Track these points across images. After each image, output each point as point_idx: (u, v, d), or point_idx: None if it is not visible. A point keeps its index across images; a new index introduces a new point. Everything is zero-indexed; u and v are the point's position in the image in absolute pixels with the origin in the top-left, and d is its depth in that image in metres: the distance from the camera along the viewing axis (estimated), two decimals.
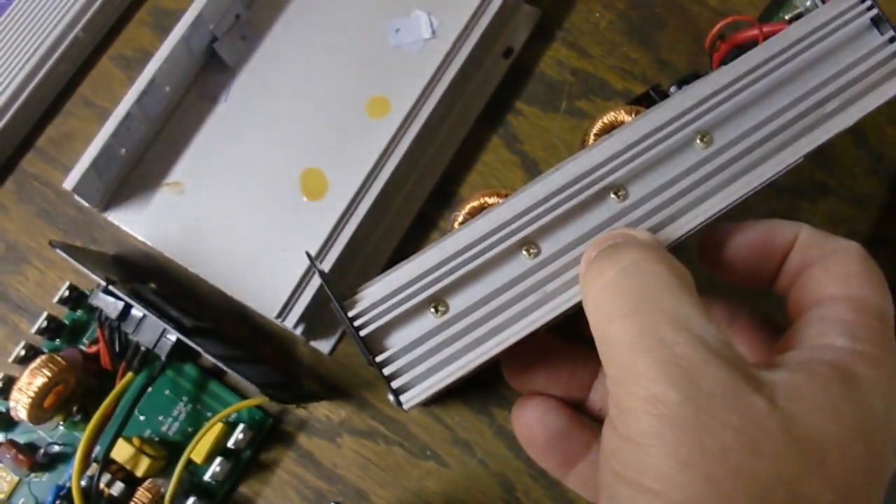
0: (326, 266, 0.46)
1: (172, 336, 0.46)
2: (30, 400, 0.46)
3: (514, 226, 0.34)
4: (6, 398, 0.48)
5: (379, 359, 0.33)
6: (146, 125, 0.51)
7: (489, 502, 0.46)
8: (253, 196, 0.50)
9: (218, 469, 0.46)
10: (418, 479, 0.46)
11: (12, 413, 0.47)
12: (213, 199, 0.51)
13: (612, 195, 0.35)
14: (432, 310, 0.34)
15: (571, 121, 0.51)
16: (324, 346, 0.49)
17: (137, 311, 0.46)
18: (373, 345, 0.33)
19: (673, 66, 0.51)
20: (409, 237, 0.50)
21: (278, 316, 0.45)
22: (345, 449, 0.47)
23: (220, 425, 0.47)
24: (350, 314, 0.33)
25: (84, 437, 0.45)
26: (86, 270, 0.45)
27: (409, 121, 0.48)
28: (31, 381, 0.46)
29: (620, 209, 0.34)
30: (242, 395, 0.48)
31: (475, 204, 0.37)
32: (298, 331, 0.46)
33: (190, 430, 0.48)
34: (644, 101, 0.44)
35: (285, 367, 0.48)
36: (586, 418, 0.37)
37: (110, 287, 0.45)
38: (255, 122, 0.52)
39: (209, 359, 0.43)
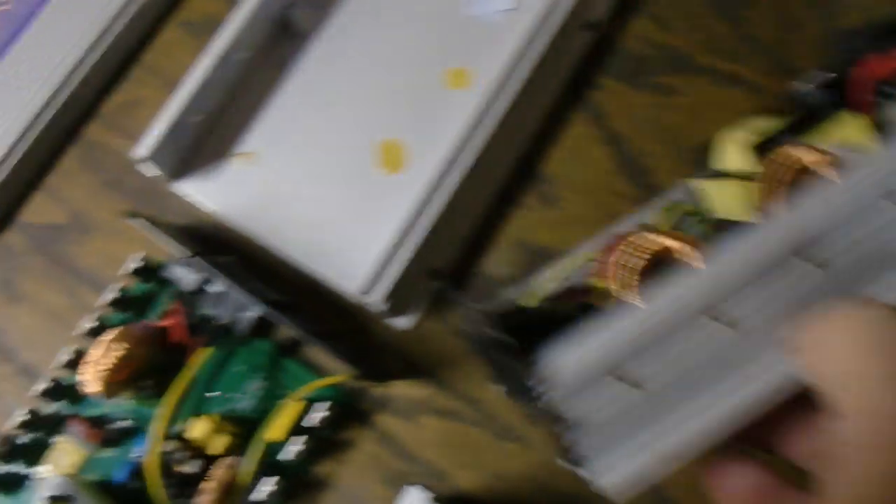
0: (412, 243, 0.45)
1: (253, 311, 0.44)
2: (102, 373, 0.45)
3: (717, 298, 0.30)
4: (76, 371, 0.47)
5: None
6: (220, 93, 0.49)
7: (574, 486, 0.45)
8: (328, 167, 0.49)
9: (295, 448, 0.45)
10: (501, 460, 0.45)
11: (83, 387, 0.46)
12: (286, 171, 0.49)
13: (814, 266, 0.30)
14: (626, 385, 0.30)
15: (657, 97, 0.49)
16: (404, 322, 0.47)
17: (217, 285, 0.45)
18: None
19: (759, 41, 0.50)
20: (490, 214, 0.48)
21: (364, 291, 0.44)
22: (425, 429, 0.46)
23: (297, 403, 0.45)
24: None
25: (162, 412, 0.44)
26: (163, 243, 0.44)
27: (493, 95, 0.47)
28: (103, 355, 0.45)
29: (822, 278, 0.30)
30: (318, 374, 0.47)
31: (650, 246, 0.33)
32: (382, 307, 0.45)
33: (265, 408, 0.47)
34: (804, 125, 0.39)
35: (364, 345, 0.47)
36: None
37: (195, 258, 0.44)
38: (329, 93, 0.50)
39: (289, 333, 0.42)
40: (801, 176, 0.34)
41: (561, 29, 0.48)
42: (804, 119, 0.37)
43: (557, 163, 0.49)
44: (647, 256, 0.33)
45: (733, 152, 0.36)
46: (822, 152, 0.34)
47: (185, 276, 0.45)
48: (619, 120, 0.49)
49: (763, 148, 0.36)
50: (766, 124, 0.37)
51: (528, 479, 0.45)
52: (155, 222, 0.44)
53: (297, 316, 0.44)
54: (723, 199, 0.36)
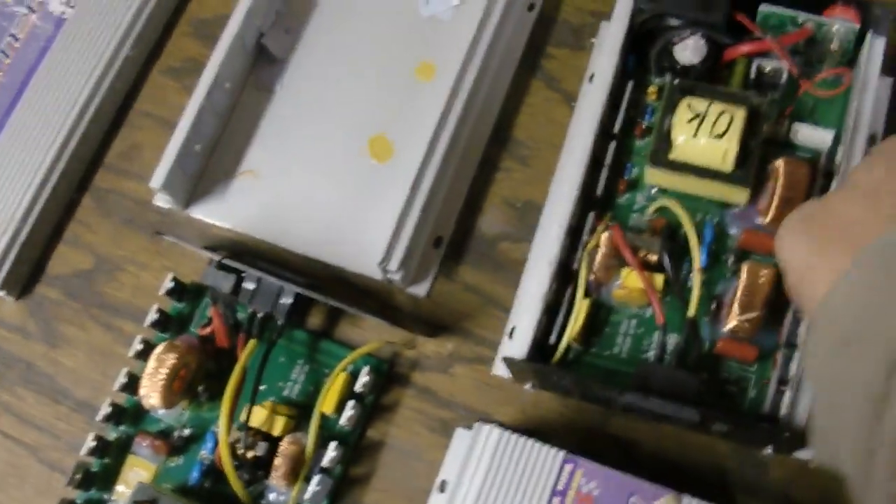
0: (415, 213, 0.50)
1: (288, 298, 0.49)
2: (159, 384, 0.49)
3: None
4: (132, 394, 0.51)
5: None
6: (215, 120, 0.54)
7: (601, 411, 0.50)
8: (325, 168, 0.54)
9: (352, 412, 0.49)
10: (535, 393, 0.50)
11: (144, 401, 0.50)
12: (288, 179, 0.54)
13: None
14: None
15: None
16: (420, 289, 0.52)
17: (250, 282, 0.50)
18: None
19: None
20: (476, 180, 0.54)
21: (382, 262, 0.49)
22: (458, 378, 0.51)
23: (343, 375, 0.50)
24: None
25: (224, 407, 0.48)
26: (191, 257, 0.49)
27: (458, 79, 0.53)
28: (157, 367, 0.49)
29: None
30: (352, 348, 0.51)
31: None
32: (398, 276, 0.50)
33: (311, 389, 0.51)
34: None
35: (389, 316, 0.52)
36: None
37: (224, 260, 0.48)
38: (314, 103, 0.56)
39: (318, 321, 0.47)
40: None
41: (505, 12, 0.55)
42: None
43: (525, 127, 0.55)
44: None
45: None
46: None
47: (222, 278, 0.49)
48: (570, 81, 0.56)
49: None
50: None
51: (564, 404, 0.50)
52: (182, 238, 0.49)
53: (330, 292, 0.49)
54: None
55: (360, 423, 0.50)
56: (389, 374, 0.52)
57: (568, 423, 0.50)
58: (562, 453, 0.44)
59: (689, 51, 0.50)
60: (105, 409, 0.50)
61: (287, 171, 0.55)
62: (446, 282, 0.53)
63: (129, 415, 0.51)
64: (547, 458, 0.44)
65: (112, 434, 0.51)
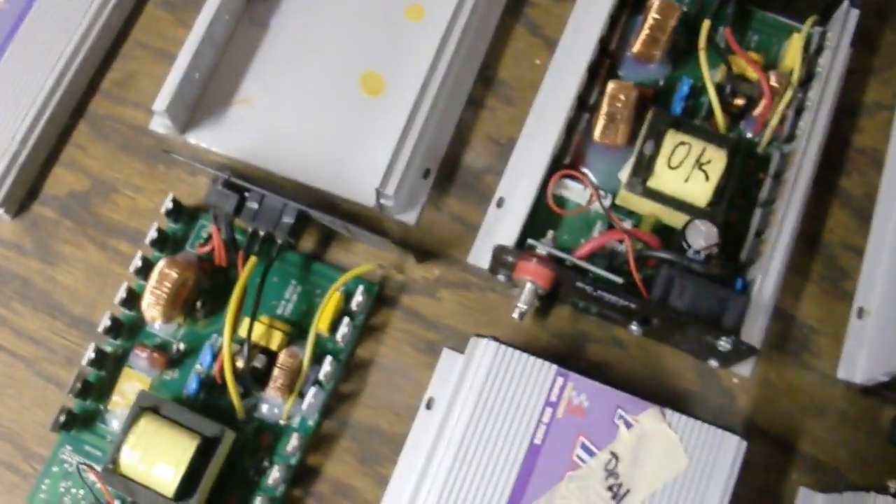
0: (409, 144, 0.53)
1: (290, 217, 0.52)
2: (164, 298, 0.51)
3: None
4: (130, 308, 0.53)
5: None
6: (212, 51, 0.56)
7: (587, 329, 0.54)
8: (318, 101, 0.57)
9: (346, 330, 0.52)
10: (511, 314, 0.53)
11: (146, 314, 0.52)
12: (282, 109, 0.57)
13: None
14: None
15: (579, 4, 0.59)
16: (409, 217, 0.56)
17: (253, 201, 0.52)
18: None
19: None
20: (463, 118, 0.58)
21: (381, 187, 0.52)
22: (444, 301, 0.55)
23: (337, 295, 0.53)
24: None
25: (228, 319, 0.50)
26: (201, 166, 0.51)
27: (449, 22, 0.56)
28: (161, 282, 0.51)
29: None
30: (343, 270, 0.54)
31: None
32: (391, 202, 0.53)
33: (304, 308, 0.54)
34: None
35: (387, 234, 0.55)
36: None
37: (231, 179, 0.51)
38: (306, 39, 0.58)
39: (310, 244, 0.50)
40: None
41: None
42: None
43: (509, 69, 0.59)
44: None
45: None
46: None
47: (226, 196, 0.52)
48: (552, 28, 0.59)
49: None
50: None
51: (544, 327, 0.54)
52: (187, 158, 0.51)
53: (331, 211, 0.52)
54: None
55: (351, 341, 0.53)
56: (379, 297, 0.55)
57: (547, 347, 0.53)
58: (554, 367, 0.48)
59: None
60: (105, 322, 0.52)
61: (281, 101, 0.57)
62: (434, 211, 0.56)
63: (126, 329, 0.53)
64: (541, 372, 0.48)
65: (108, 347, 0.53)
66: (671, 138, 0.52)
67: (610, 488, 0.46)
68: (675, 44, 0.56)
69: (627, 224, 0.54)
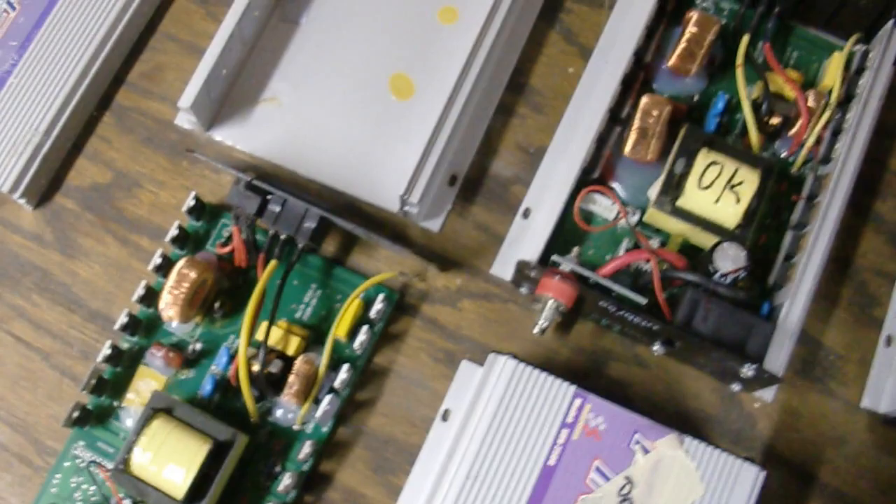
0: (437, 150, 0.52)
1: (312, 221, 0.51)
2: (182, 298, 0.50)
3: None
4: (148, 306, 0.52)
5: None
6: (241, 47, 0.56)
7: (609, 346, 0.53)
8: (346, 101, 0.56)
9: (364, 338, 0.51)
10: (538, 332, 0.53)
11: (163, 313, 0.51)
12: (309, 108, 0.56)
13: None
14: None
15: (615, 14, 0.58)
16: (434, 224, 0.55)
17: (275, 204, 0.51)
18: None
19: None
20: (492, 125, 0.57)
21: (404, 194, 0.51)
22: (465, 311, 0.54)
23: (357, 302, 0.52)
24: None
25: (245, 322, 0.50)
26: (224, 167, 0.51)
27: (482, 26, 0.55)
28: (180, 281, 0.51)
29: None
30: (365, 276, 0.53)
31: None
32: (416, 209, 0.52)
33: (323, 313, 0.53)
34: None
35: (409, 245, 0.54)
36: None
37: (254, 181, 0.50)
38: (337, 38, 0.57)
39: (332, 249, 0.49)
40: None
41: None
42: None
43: (541, 77, 0.58)
44: None
45: None
46: None
47: (248, 198, 0.51)
48: (588, 36, 0.58)
49: None
50: None
51: (564, 342, 0.53)
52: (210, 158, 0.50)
53: (349, 220, 0.51)
54: None
55: (368, 349, 0.52)
56: (399, 305, 0.54)
57: (567, 362, 0.53)
58: (573, 387, 0.47)
59: None
60: (122, 319, 0.51)
61: (308, 101, 0.56)
62: (458, 219, 0.55)
63: (143, 327, 0.53)
64: (558, 392, 0.47)
65: (125, 344, 0.53)
66: (703, 157, 0.51)
67: None
68: (711, 58, 0.55)
69: (655, 242, 0.53)
